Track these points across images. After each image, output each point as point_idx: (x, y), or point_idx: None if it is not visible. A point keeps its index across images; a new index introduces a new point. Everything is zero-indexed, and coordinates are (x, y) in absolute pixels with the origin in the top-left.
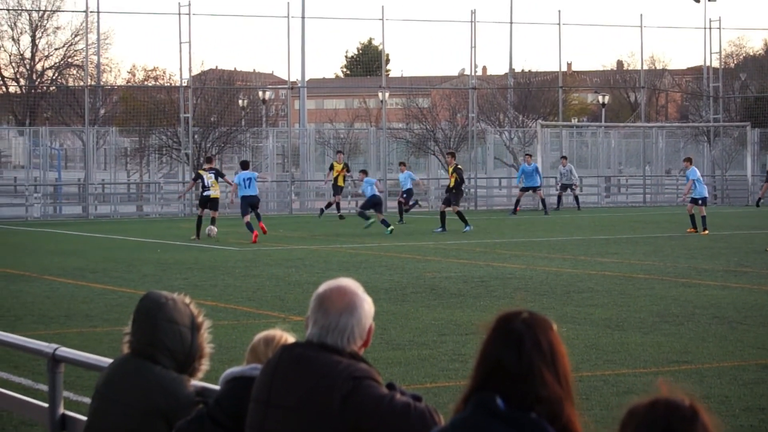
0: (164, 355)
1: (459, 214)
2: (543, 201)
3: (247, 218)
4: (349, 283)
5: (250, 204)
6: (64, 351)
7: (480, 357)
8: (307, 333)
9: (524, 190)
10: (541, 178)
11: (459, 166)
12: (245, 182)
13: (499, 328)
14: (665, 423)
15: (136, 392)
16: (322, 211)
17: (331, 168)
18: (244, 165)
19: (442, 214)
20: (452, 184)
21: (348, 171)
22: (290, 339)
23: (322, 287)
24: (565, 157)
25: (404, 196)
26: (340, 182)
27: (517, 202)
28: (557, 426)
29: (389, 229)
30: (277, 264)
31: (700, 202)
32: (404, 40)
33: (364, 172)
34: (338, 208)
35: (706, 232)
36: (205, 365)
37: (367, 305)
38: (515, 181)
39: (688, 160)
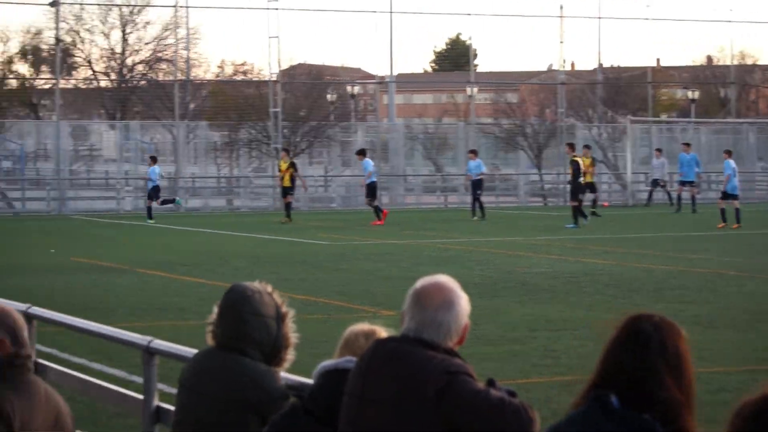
0: (252, 347)
1: (573, 208)
2: (680, 197)
3: (376, 202)
4: (447, 279)
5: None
6: (159, 343)
7: (604, 354)
8: (403, 328)
9: (683, 183)
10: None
11: (575, 157)
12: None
13: (628, 328)
14: None
15: (225, 385)
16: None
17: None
18: (365, 153)
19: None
20: (571, 178)
21: (296, 170)
22: (384, 334)
23: (420, 283)
24: (659, 150)
25: (477, 191)
26: (286, 182)
27: (679, 198)
28: (670, 430)
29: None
30: (366, 258)
31: (730, 196)
32: (492, 34)
33: (473, 152)
34: (287, 208)
35: (736, 226)
36: (291, 355)
37: (464, 302)
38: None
39: (727, 152)
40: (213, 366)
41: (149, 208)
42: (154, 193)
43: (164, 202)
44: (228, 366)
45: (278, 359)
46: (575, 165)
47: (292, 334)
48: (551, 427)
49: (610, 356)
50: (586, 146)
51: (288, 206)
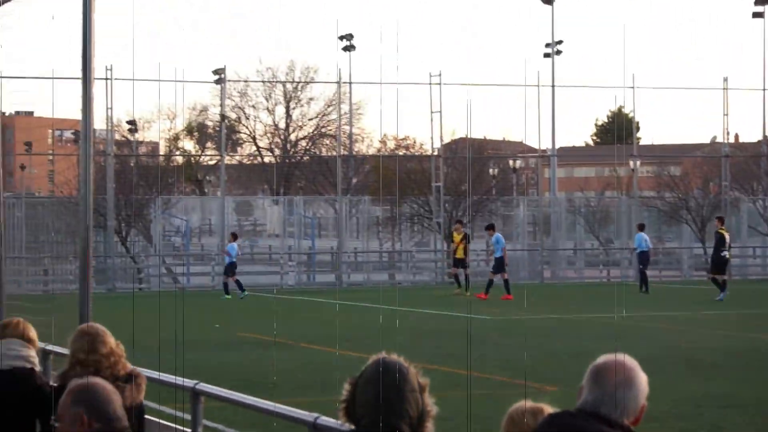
0: (406, 424)
1: (713, 280)
2: None
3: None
4: (628, 358)
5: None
6: (325, 420)
7: None
8: (579, 402)
9: None
10: None
11: (721, 230)
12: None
13: None
14: None
15: None
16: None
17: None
18: (494, 227)
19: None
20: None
21: (468, 242)
22: (551, 411)
23: (601, 359)
24: None
25: (640, 266)
26: (459, 254)
27: None
28: None
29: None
30: (530, 333)
31: None
32: (655, 106)
33: (641, 226)
34: (457, 280)
35: None
36: (431, 426)
37: (644, 382)
38: None
39: None
40: None
41: (225, 285)
42: (230, 269)
43: (237, 283)
44: None
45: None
46: (719, 237)
47: (432, 405)
48: None
49: None
50: (458, 221)
51: (457, 278)
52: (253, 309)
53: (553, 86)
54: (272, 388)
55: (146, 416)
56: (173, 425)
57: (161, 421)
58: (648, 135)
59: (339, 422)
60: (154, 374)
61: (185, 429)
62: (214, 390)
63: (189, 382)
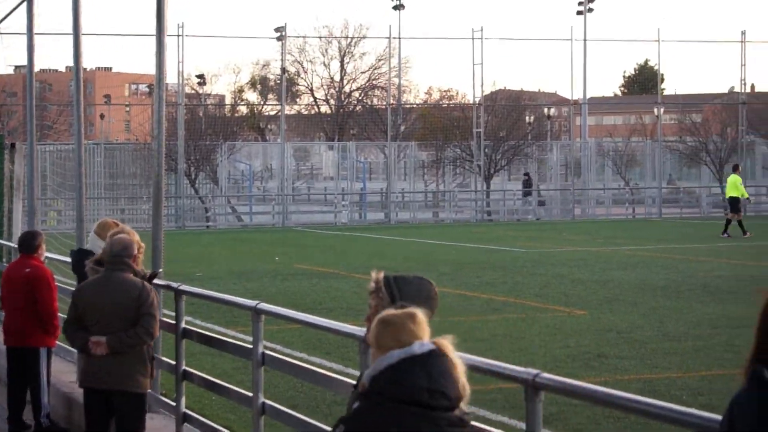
0: None
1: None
2: None
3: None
4: None
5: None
6: None
7: (757, 326)
8: None
9: None
10: None
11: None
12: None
13: None
14: None
15: None
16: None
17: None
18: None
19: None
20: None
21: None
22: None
23: None
24: None
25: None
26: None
27: None
28: None
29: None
30: (561, 264)
31: None
32: (678, 59)
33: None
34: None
35: None
36: None
37: None
38: None
39: None
40: None
41: None
42: None
43: None
44: None
45: None
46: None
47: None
48: (725, 413)
49: (762, 326)
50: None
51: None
52: (310, 244)
53: (585, 41)
54: (327, 312)
55: (212, 334)
56: (237, 342)
57: (226, 338)
58: (671, 85)
59: None
60: (220, 296)
61: (248, 345)
62: (273, 309)
63: (250, 302)
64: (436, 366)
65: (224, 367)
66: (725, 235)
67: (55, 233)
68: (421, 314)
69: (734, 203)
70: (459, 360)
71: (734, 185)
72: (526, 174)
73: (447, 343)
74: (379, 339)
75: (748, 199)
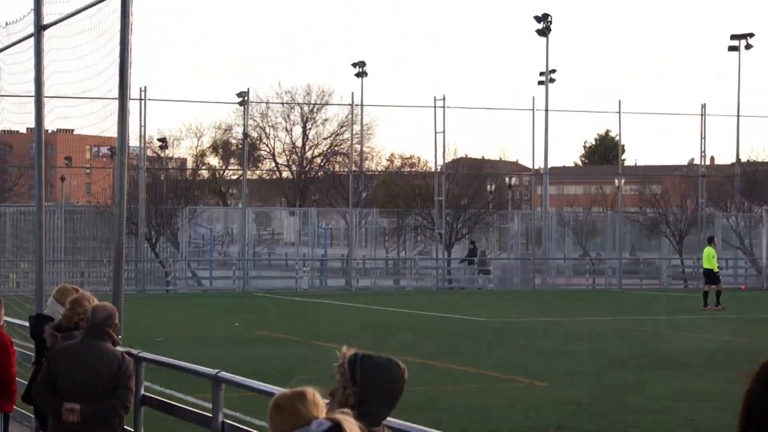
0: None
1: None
2: None
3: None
4: None
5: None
6: None
7: (743, 404)
8: None
9: None
10: None
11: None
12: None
13: (763, 374)
14: None
15: None
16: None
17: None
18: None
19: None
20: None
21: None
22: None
23: None
24: None
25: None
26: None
27: None
28: None
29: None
30: (522, 334)
31: None
32: (639, 130)
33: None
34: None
35: None
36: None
37: None
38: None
39: None
40: None
41: None
42: None
43: None
44: None
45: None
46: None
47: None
48: None
49: (749, 404)
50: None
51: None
52: (270, 310)
53: (546, 111)
54: (285, 381)
55: (172, 402)
56: (197, 410)
57: (186, 407)
58: (632, 156)
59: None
60: (181, 364)
61: (207, 414)
62: (233, 378)
63: (211, 371)
64: None
65: None
66: (707, 307)
67: (13, 296)
68: (312, 392)
69: (709, 275)
70: None
71: (707, 257)
72: (472, 243)
73: (346, 418)
74: (274, 424)
75: (716, 272)
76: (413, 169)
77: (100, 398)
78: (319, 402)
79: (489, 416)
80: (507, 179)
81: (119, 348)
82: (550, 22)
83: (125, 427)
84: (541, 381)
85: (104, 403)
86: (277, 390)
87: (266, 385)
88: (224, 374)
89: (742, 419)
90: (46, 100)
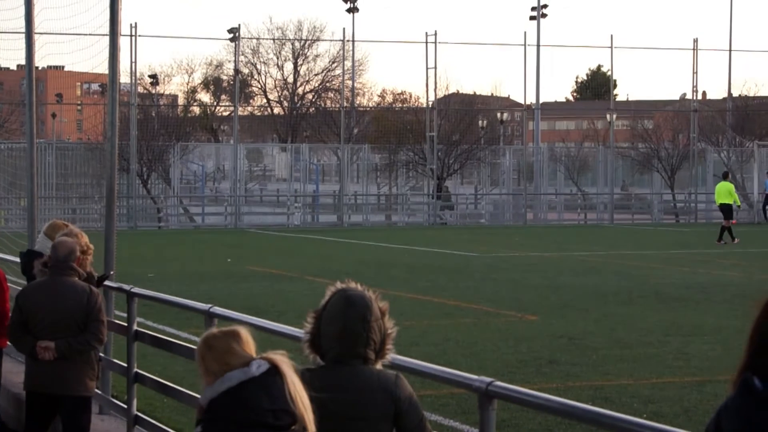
0: (371, 350)
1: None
2: None
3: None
4: None
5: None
6: None
7: (750, 335)
8: None
9: None
10: None
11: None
12: None
13: None
14: None
15: (369, 404)
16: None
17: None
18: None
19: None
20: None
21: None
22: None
23: None
24: None
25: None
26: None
27: None
28: None
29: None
30: (514, 269)
31: None
32: (630, 65)
33: None
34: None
35: None
36: (391, 346)
37: None
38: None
39: None
40: (351, 384)
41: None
42: None
43: None
44: (362, 379)
45: (383, 352)
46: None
47: (392, 327)
48: (712, 420)
49: (755, 336)
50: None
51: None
52: (262, 246)
53: (538, 46)
54: (278, 315)
55: (165, 337)
56: (190, 345)
57: (180, 342)
58: (624, 91)
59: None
60: (174, 299)
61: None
62: (226, 312)
63: (204, 306)
64: (275, 385)
65: (176, 369)
66: (722, 242)
67: (6, 232)
68: (245, 331)
69: (728, 210)
70: (293, 374)
71: (726, 192)
72: (446, 187)
73: (281, 358)
74: (206, 363)
75: (738, 206)
76: (405, 105)
77: (73, 333)
78: (251, 341)
79: (481, 350)
80: (499, 115)
81: (109, 283)
82: None
83: (117, 361)
84: (533, 315)
85: (78, 337)
86: (270, 324)
87: (259, 319)
88: (217, 309)
89: (751, 351)
90: (36, 36)
